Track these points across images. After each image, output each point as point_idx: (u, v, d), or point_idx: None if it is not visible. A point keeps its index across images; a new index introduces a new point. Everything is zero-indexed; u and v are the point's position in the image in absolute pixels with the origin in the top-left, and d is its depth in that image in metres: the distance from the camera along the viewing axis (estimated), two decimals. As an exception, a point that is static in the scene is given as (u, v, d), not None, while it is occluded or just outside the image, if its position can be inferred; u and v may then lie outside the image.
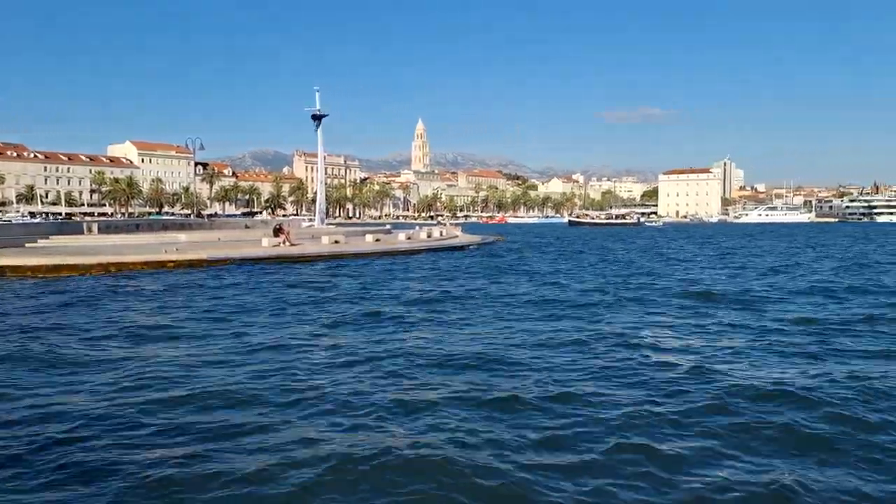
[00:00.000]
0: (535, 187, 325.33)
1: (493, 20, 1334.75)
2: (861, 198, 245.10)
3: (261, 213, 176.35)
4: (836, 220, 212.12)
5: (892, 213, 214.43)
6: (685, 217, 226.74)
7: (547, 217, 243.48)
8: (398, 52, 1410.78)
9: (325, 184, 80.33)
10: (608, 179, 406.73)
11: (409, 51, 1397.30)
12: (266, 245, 37.04)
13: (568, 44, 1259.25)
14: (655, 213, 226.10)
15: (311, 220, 69.85)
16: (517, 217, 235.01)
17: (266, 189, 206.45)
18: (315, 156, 67.88)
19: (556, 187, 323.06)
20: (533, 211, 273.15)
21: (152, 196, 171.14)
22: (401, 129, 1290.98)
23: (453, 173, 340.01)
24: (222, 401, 8.79)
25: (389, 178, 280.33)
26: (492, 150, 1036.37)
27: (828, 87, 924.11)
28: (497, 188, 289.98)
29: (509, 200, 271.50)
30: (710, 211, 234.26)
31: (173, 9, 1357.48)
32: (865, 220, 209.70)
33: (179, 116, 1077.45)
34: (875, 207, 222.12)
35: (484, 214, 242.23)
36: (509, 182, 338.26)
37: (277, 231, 39.72)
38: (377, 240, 46.50)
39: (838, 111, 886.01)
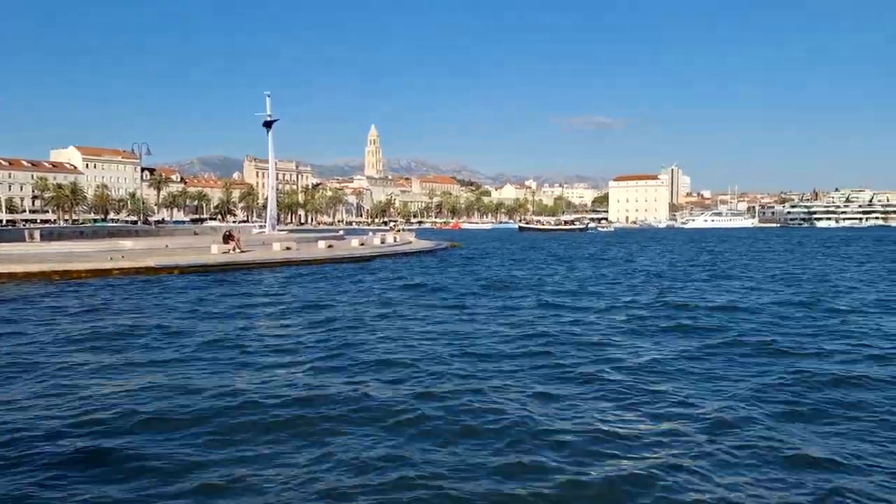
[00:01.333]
0: (488, 193, 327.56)
1: (447, 25, 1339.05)
2: (801, 204, 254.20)
3: (210, 219, 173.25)
4: (779, 225, 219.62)
5: (829, 219, 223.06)
6: (635, 222, 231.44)
7: (500, 223, 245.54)
8: (350, 56, 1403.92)
9: (277, 189, 79.50)
10: (560, 186, 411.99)
11: (361, 56, 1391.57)
12: (215, 252, 36.53)
13: (521, 51, 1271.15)
14: (606, 218, 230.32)
15: (261, 226, 68.92)
16: (471, 223, 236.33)
17: (216, 195, 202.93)
18: (266, 161, 67.13)
19: (509, 193, 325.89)
20: (487, 217, 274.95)
21: (97, 202, 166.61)
22: (353, 135, 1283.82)
23: (407, 179, 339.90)
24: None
25: (342, 184, 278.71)
26: (445, 155, 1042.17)
27: (771, 96, 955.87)
28: (451, 194, 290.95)
29: (463, 206, 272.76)
30: (658, 216, 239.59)
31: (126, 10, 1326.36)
32: (806, 225, 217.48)
33: (126, 121, 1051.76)
34: (815, 213, 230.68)
35: (438, 220, 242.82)
36: (463, 188, 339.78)
37: (227, 237, 39.18)
38: (330, 246, 46.24)
39: (781, 119, 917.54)
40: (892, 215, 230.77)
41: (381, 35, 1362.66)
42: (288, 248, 41.41)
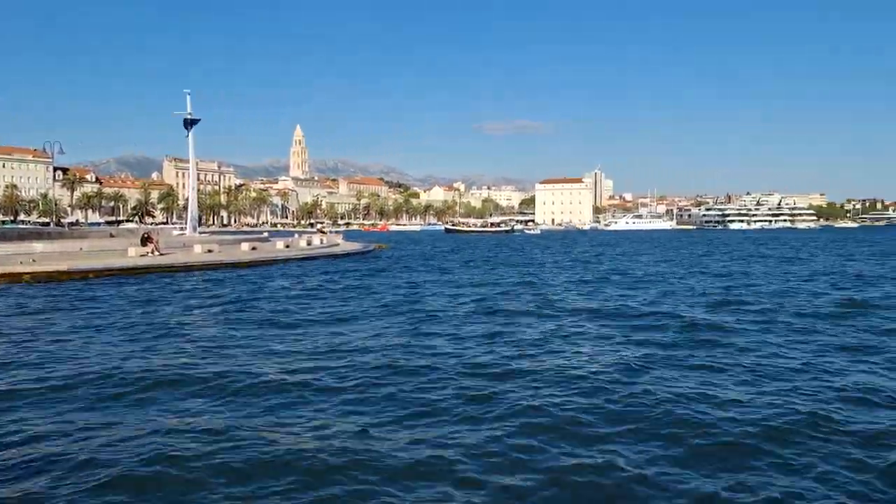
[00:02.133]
0: (416, 195, 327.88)
1: (376, 27, 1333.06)
2: (716, 207, 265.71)
3: (128, 221, 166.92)
4: (695, 227, 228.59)
5: (742, 221, 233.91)
6: (560, 224, 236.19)
7: (429, 224, 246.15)
8: (275, 55, 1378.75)
9: (198, 190, 77.43)
10: (488, 188, 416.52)
11: (287, 54, 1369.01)
12: (133, 255, 35.33)
13: (450, 54, 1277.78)
14: (533, 220, 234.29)
15: (182, 228, 66.89)
16: (399, 225, 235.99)
17: (133, 196, 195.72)
18: (187, 161, 65.17)
19: (437, 195, 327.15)
20: (415, 218, 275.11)
21: (6, 203, 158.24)
22: (278, 135, 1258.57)
23: (334, 180, 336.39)
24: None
25: (267, 185, 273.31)
26: (373, 157, 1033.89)
27: (690, 100, 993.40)
28: (379, 196, 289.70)
29: (391, 208, 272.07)
30: (582, 219, 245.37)
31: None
32: (720, 227, 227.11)
33: (38, 118, 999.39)
34: (728, 216, 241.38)
35: (366, 222, 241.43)
36: (391, 190, 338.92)
37: (145, 240, 37.90)
38: (254, 248, 45.45)
39: (695, 126, 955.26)
40: (799, 218, 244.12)
41: (306, 34, 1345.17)
42: (210, 251, 40.49)
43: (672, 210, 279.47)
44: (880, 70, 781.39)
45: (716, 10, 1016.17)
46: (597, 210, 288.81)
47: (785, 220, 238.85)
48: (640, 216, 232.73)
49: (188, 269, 33.74)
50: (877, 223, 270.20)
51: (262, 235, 68.40)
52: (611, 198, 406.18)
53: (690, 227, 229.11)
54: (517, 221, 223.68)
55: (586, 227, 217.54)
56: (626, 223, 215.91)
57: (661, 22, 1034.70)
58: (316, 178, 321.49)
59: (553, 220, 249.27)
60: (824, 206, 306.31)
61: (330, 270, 35.22)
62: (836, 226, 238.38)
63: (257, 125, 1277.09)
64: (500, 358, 12.38)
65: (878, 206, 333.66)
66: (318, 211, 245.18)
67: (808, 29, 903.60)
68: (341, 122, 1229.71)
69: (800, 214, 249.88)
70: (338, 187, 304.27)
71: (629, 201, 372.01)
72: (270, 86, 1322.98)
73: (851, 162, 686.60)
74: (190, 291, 24.37)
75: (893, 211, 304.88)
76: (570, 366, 11.71)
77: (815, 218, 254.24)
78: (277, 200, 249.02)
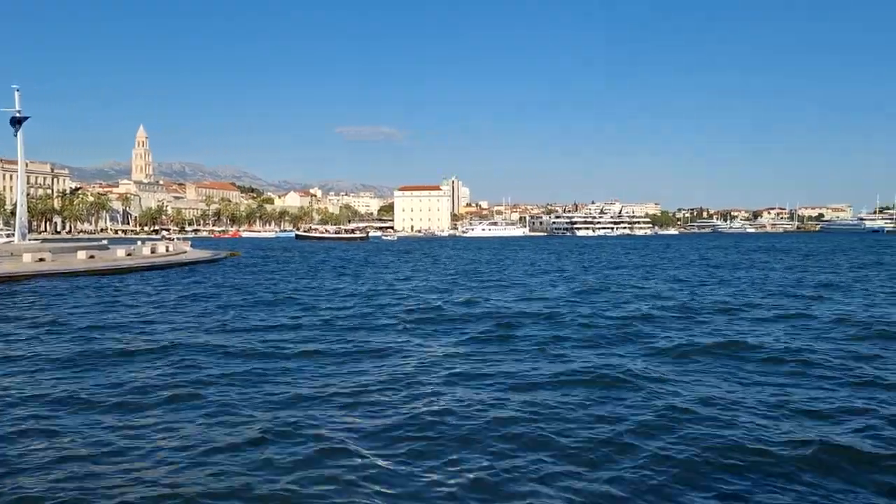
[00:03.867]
0: (271, 200, 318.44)
1: (225, 23, 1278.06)
2: (565, 215, 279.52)
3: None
4: (546, 234, 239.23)
5: (588, 229, 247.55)
6: (419, 231, 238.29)
7: (284, 231, 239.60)
8: (113, 50, 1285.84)
9: (28, 194, 70.27)
10: (346, 194, 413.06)
11: (127, 50, 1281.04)
12: (-56, 265, 31.16)
13: (307, 54, 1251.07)
14: (392, 227, 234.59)
15: (9, 235, 60.65)
16: (252, 231, 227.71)
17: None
18: (14, 163, 59.12)
19: (293, 201, 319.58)
20: (270, 224, 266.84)
21: None
22: (119, 136, 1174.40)
23: (181, 184, 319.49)
24: None
25: (106, 189, 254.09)
26: (224, 160, 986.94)
27: (542, 112, 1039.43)
28: (230, 201, 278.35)
29: (244, 214, 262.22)
30: (441, 226, 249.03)
31: None
32: (568, 234, 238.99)
33: None
34: (575, 223, 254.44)
35: (216, 228, 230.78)
36: (244, 195, 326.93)
37: (-40, 248, 33.61)
38: (91, 256, 41.86)
39: (549, 135, 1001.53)
40: (637, 225, 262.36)
41: (151, 29, 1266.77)
42: (41, 260, 36.74)
43: (525, 217, 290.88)
44: (712, 84, 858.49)
45: (568, 24, 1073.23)
46: (455, 217, 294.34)
47: (625, 228, 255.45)
48: (495, 223, 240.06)
49: (12, 279, 30.21)
50: (703, 230, 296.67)
51: (101, 243, 63.62)
52: (468, 205, 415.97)
53: (542, 233, 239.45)
54: (377, 228, 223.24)
55: (444, 234, 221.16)
56: (483, 230, 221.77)
57: (518, 32, 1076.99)
58: (161, 181, 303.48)
59: (412, 227, 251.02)
60: (658, 214, 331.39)
61: (170, 282, 32.99)
62: (661, 233, 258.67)
63: (96, 125, 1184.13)
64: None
65: (704, 214, 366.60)
66: (164, 217, 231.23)
67: (646, 45, 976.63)
68: (189, 123, 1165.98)
69: (637, 222, 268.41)
70: (185, 192, 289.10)
71: (485, 209, 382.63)
72: (110, 83, 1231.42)
73: (682, 173, 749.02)
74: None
75: (716, 219, 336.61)
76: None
77: (650, 225, 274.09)
78: (118, 206, 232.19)
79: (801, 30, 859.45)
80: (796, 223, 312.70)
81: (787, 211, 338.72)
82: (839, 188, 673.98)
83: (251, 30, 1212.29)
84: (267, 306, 23.73)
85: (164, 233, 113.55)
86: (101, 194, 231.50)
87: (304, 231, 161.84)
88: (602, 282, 34.86)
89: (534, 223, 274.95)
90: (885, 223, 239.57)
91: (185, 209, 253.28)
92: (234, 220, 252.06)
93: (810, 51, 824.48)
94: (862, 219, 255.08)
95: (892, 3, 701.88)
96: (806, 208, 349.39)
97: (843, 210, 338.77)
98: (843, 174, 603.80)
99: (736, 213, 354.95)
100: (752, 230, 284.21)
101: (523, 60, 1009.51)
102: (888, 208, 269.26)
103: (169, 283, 32.32)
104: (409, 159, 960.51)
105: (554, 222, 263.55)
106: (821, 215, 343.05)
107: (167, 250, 52.64)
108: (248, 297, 26.92)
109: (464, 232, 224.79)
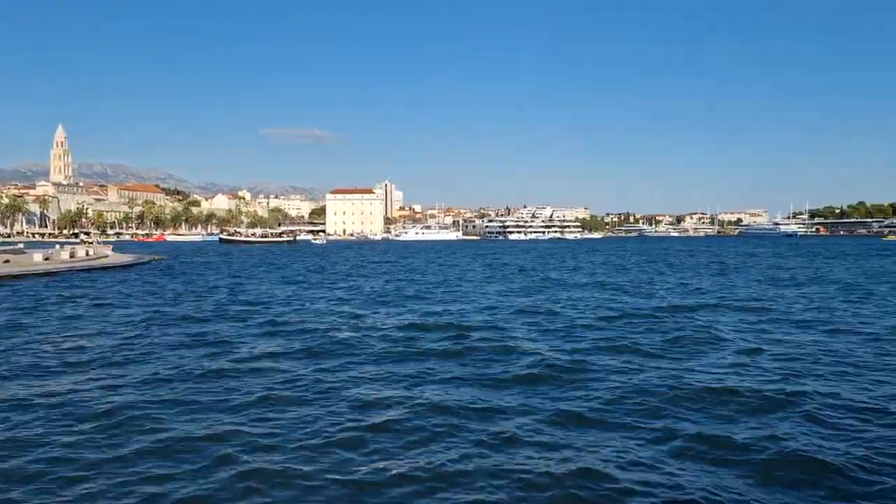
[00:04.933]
0: (197, 203, 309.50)
1: (144, 24, 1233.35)
2: (497, 219, 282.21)
3: None
4: (479, 238, 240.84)
5: (520, 233, 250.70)
6: (352, 235, 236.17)
7: (211, 234, 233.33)
8: (32, 47, 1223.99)
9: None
10: (276, 197, 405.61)
11: (46, 47, 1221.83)
12: None
13: (232, 52, 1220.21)
14: (324, 230, 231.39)
15: None
16: (178, 234, 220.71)
17: None
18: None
19: (221, 203, 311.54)
20: (196, 228, 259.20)
21: None
22: (36, 136, 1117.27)
23: (103, 186, 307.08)
24: None
25: (22, 191, 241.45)
26: (149, 163, 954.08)
27: (473, 114, 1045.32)
28: (155, 203, 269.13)
29: (169, 217, 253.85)
30: (374, 229, 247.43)
31: None
32: (501, 238, 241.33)
33: None
34: (508, 227, 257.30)
35: (139, 232, 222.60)
36: (169, 197, 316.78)
37: None
38: (6, 261, 39.49)
39: (481, 136, 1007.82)
40: (567, 230, 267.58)
41: (69, 23, 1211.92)
42: (-56, 265, 34.19)
43: (458, 221, 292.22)
44: (639, 91, 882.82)
45: (500, 26, 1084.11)
46: (388, 221, 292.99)
47: (556, 232, 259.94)
48: (428, 227, 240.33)
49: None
50: (630, 234, 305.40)
51: (16, 247, 60.49)
52: (401, 209, 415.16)
53: (475, 237, 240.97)
54: (307, 231, 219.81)
55: (377, 238, 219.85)
56: (416, 234, 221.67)
57: (449, 40, 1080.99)
58: (81, 183, 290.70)
59: (345, 230, 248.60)
60: (588, 218, 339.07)
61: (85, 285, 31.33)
62: (588, 237, 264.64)
63: (12, 123, 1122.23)
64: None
65: (631, 219, 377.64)
66: (85, 220, 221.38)
67: (579, 52, 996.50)
68: (112, 123, 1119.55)
69: (567, 226, 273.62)
70: (107, 194, 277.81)
71: (419, 212, 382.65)
72: (28, 80, 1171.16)
73: (611, 178, 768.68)
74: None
75: (643, 223, 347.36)
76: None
77: (580, 229, 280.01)
78: (35, 208, 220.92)
79: (722, 40, 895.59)
80: (717, 227, 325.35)
81: (708, 216, 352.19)
82: (757, 195, 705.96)
83: (176, 30, 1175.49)
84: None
85: (84, 236, 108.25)
86: (17, 196, 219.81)
87: (229, 235, 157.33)
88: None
89: (467, 227, 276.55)
90: (798, 228, 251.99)
91: (107, 212, 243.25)
92: (158, 223, 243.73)
93: (731, 61, 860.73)
94: (777, 223, 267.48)
95: (792, 9, 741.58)
96: (726, 213, 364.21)
97: (759, 215, 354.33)
98: (760, 181, 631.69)
99: (661, 218, 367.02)
100: (676, 234, 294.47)
101: (461, 64, 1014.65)
102: (800, 214, 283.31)
103: (84, 288, 30.72)
104: (342, 163, 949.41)
105: (487, 226, 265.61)
106: (739, 220, 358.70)
107: (88, 254, 50.22)
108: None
109: (397, 235, 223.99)
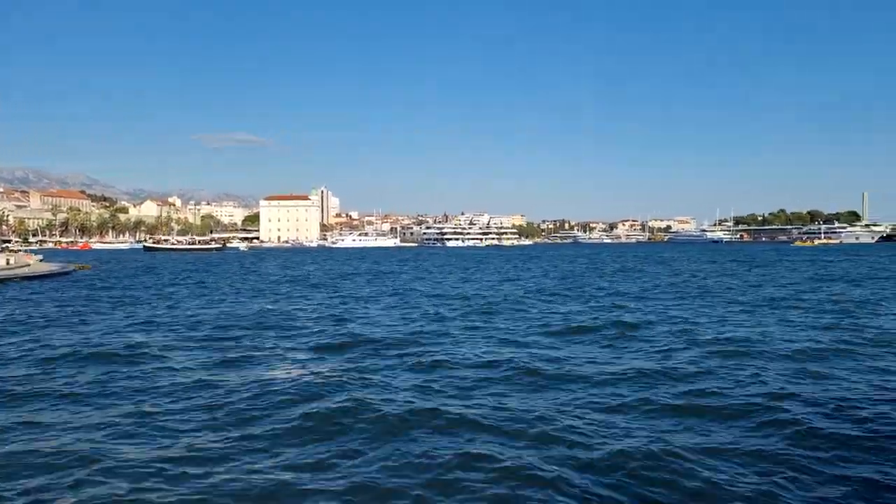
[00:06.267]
0: (125, 210, 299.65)
1: (82, 14, 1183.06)
2: (435, 226, 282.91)
3: None
4: (417, 244, 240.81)
5: (457, 240, 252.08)
6: (286, 241, 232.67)
7: (140, 241, 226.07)
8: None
9: None
10: (209, 203, 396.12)
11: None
12: None
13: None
14: (258, 237, 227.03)
15: None
16: (105, 242, 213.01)
17: None
18: None
19: (150, 210, 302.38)
20: (124, 235, 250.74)
21: None
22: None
23: (24, 192, 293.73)
24: None
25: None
26: (73, 168, 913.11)
27: (411, 121, 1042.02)
28: (80, 210, 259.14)
29: (95, 224, 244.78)
30: (310, 236, 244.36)
31: None
32: (438, 244, 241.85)
33: None
34: (445, 234, 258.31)
35: (63, 240, 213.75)
36: (95, 203, 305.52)
37: None
38: (-86, 271, 37.36)
39: (418, 143, 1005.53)
40: (504, 237, 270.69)
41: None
42: None
43: (396, 228, 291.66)
44: (575, 102, 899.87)
45: (426, 37, 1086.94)
46: (324, 227, 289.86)
47: (493, 239, 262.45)
48: (366, 234, 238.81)
49: None
50: (565, 241, 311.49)
51: (-74, 256, 57.04)
52: (338, 215, 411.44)
53: (413, 244, 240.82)
54: (240, 238, 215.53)
55: (313, 245, 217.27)
56: (353, 241, 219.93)
57: (390, 45, 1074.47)
58: (1, 189, 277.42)
59: (279, 237, 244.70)
60: (525, 225, 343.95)
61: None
62: (523, 243, 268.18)
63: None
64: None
65: (566, 226, 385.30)
66: (5, 227, 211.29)
67: (510, 65, 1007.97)
68: (31, 126, 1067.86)
69: (505, 233, 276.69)
70: (28, 201, 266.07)
71: (356, 219, 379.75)
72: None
73: (546, 187, 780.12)
74: None
75: (577, 230, 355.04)
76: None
77: (517, 236, 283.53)
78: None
79: (654, 56, 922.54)
80: (648, 234, 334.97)
81: (639, 223, 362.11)
82: (686, 202, 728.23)
83: (103, 28, 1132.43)
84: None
85: (6, 245, 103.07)
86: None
87: (154, 242, 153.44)
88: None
89: (405, 234, 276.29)
90: (724, 234, 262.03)
91: (29, 219, 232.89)
92: (84, 230, 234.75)
93: (661, 75, 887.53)
94: (704, 230, 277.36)
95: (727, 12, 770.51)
96: (656, 220, 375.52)
97: (687, 222, 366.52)
98: (688, 189, 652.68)
99: (595, 225, 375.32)
100: (609, 241, 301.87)
101: (407, 71, 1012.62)
102: (726, 221, 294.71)
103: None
104: (278, 170, 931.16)
105: (425, 233, 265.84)
106: (669, 227, 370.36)
107: (8, 263, 48.17)
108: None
109: (333, 243, 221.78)
